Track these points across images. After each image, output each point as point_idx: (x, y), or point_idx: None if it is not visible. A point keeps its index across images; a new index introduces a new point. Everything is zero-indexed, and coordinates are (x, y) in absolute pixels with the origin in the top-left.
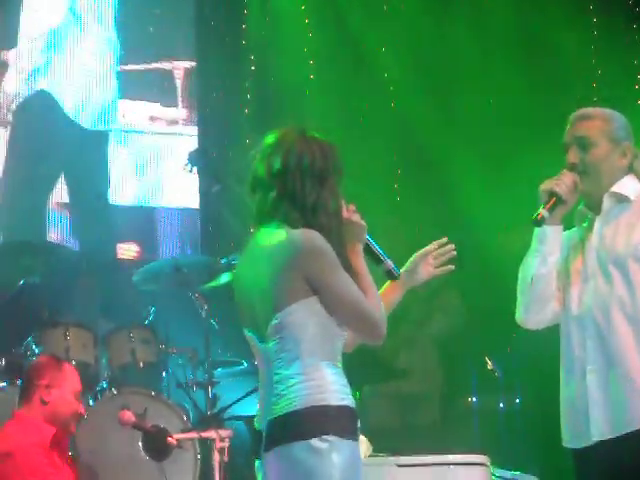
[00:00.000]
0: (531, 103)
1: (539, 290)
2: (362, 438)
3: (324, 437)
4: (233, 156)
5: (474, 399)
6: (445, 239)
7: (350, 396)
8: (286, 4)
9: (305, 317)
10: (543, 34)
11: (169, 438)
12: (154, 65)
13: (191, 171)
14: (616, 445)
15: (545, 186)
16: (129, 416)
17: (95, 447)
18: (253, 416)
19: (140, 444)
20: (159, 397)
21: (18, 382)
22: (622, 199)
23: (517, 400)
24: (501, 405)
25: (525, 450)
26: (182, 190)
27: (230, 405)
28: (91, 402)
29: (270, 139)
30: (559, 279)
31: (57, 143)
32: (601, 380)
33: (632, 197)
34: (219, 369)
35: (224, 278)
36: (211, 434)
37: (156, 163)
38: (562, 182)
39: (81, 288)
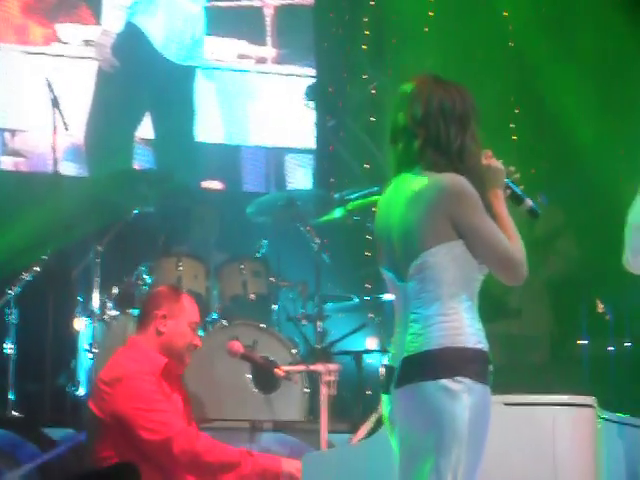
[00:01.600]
0: None
1: None
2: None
3: (457, 378)
4: (350, 92)
5: (584, 341)
6: None
7: (485, 340)
8: None
9: (447, 259)
10: None
11: (277, 370)
12: (244, 2)
13: (308, 105)
14: None
15: None
16: (238, 347)
17: (204, 377)
18: (361, 351)
19: (248, 376)
20: (269, 330)
21: (130, 311)
22: None
23: (627, 344)
24: (611, 348)
25: (634, 394)
26: (270, 129)
27: (339, 339)
28: (201, 333)
29: (407, 88)
30: None
31: (145, 78)
32: None
33: None
34: (329, 303)
35: (337, 213)
36: (319, 368)
37: (244, 102)
38: None
39: (194, 219)
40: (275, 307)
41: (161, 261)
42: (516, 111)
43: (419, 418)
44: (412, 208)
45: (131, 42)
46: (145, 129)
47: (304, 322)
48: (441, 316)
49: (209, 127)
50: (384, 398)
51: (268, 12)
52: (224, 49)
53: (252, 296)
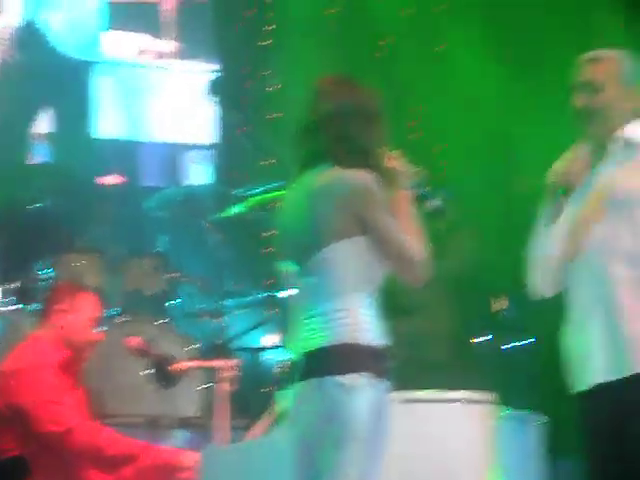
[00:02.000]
0: None
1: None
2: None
3: (356, 374)
4: (253, 87)
5: (485, 338)
6: None
7: (384, 337)
8: None
9: (349, 255)
10: None
11: (176, 365)
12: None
13: (212, 100)
14: (616, 388)
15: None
16: (137, 342)
17: (103, 373)
18: (260, 348)
19: (148, 371)
20: (168, 325)
21: (31, 305)
22: (628, 143)
23: (529, 341)
24: (511, 345)
25: (534, 391)
26: (170, 125)
27: (237, 336)
28: (101, 328)
29: (315, 86)
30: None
31: (43, 72)
32: (602, 323)
33: (638, 141)
34: (228, 300)
35: (237, 209)
36: (218, 363)
37: (144, 97)
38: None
39: (95, 214)
40: (175, 303)
41: (62, 256)
42: (415, 110)
43: (319, 413)
44: (317, 203)
45: (30, 35)
46: (43, 124)
47: (203, 318)
48: (341, 312)
49: (108, 123)
50: (286, 393)
51: (168, 7)
52: (124, 44)
53: (151, 291)
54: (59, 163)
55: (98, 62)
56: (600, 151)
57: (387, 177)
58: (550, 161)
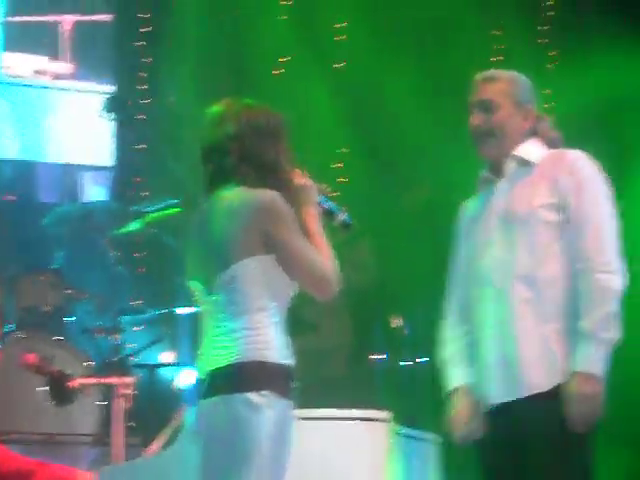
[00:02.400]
0: None
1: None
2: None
3: (261, 392)
4: (149, 104)
5: (380, 356)
6: None
7: (291, 356)
8: None
9: (256, 273)
10: None
11: (71, 382)
12: (40, 18)
13: (107, 118)
14: (513, 408)
15: None
16: (33, 359)
17: None
18: (158, 364)
19: (43, 388)
20: (64, 342)
21: None
22: (525, 162)
23: (423, 359)
24: (407, 363)
25: (427, 409)
26: (66, 145)
27: (133, 353)
28: None
29: (217, 108)
30: (465, 244)
31: None
32: (497, 345)
33: (534, 160)
34: (125, 316)
35: (135, 225)
36: (114, 380)
37: (40, 118)
38: None
39: None
40: (71, 319)
41: None
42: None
43: (223, 430)
44: (224, 222)
45: None
46: None
47: (100, 335)
48: (247, 330)
49: (2, 143)
50: (190, 410)
51: (65, 28)
52: (20, 64)
53: (48, 308)
54: None
55: None
56: (496, 171)
57: (294, 194)
58: (454, 176)
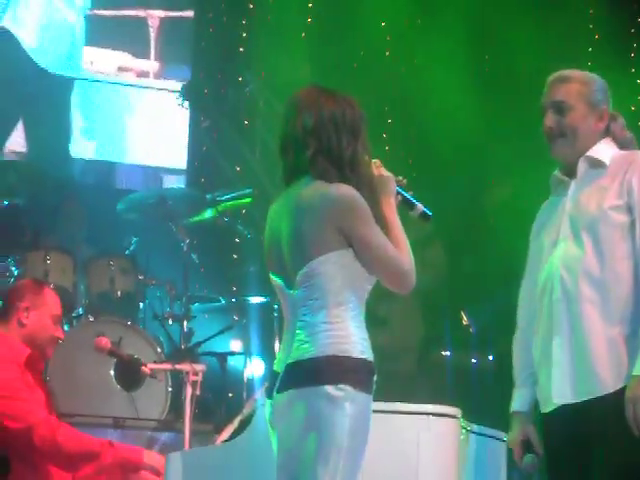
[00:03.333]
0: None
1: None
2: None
3: (340, 386)
4: (225, 94)
5: (448, 353)
6: None
7: (370, 350)
8: None
9: (335, 268)
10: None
11: (143, 367)
12: (127, 11)
13: (182, 105)
14: (579, 410)
15: None
16: (106, 342)
17: (68, 372)
18: (226, 353)
19: (112, 372)
20: (134, 327)
21: None
22: (597, 163)
23: (490, 357)
24: (474, 361)
25: (495, 406)
26: (146, 147)
27: (204, 340)
28: (66, 327)
29: (295, 99)
30: (535, 245)
31: (16, 86)
32: (565, 344)
33: (607, 161)
34: (196, 304)
35: (208, 213)
36: (185, 367)
37: (121, 116)
38: None
39: (65, 213)
40: (142, 305)
41: (29, 254)
42: (389, 121)
43: (300, 424)
44: (302, 217)
45: (1, 47)
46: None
47: (170, 321)
48: (327, 324)
49: (83, 141)
50: (266, 402)
51: (153, 23)
52: (104, 60)
53: (119, 293)
54: (32, 161)
55: (76, 78)
56: (569, 172)
57: (372, 185)
58: (520, 177)
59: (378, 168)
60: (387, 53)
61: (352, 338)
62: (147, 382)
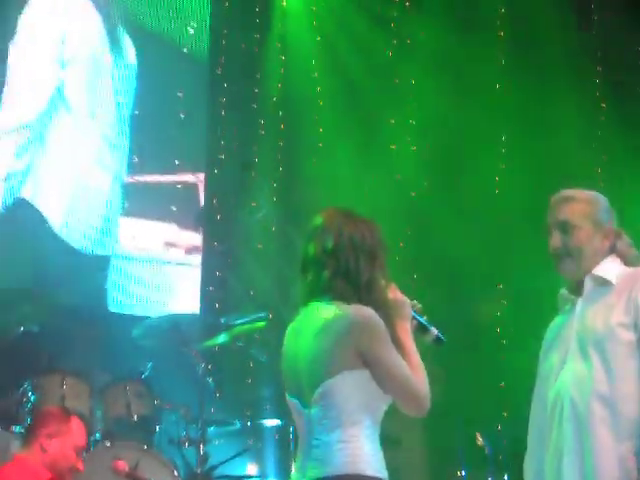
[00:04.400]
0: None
1: None
2: None
3: None
4: (239, 218)
5: (463, 473)
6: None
7: (384, 469)
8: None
9: (351, 387)
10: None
11: None
12: (175, 177)
13: (197, 230)
14: None
15: None
16: (123, 465)
17: None
18: (242, 476)
19: None
20: (151, 451)
21: (13, 428)
22: (603, 281)
23: (505, 477)
24: None
25: None
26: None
27: (220, 464)
28: (84, 453)
29: (318, 220)
30: (543, 363)
31: (43, 267)
32: (575, 462)
33: (613, 280)
34: (211, 428)
35: (222, 338)
36: None
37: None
38: None
39: (80, 338)
40: (158, 429)
41: (45, 379)
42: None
43: None
44: (319, 337)
45: (20, 223)
46: None
47: (186, 445)
48: (343, 443)
49: None
50: None
51: (200, 188)
52: (149, 235)
53: (135, 417)
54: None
55: (112, 255)
56: (576, 290)
57: (389, 309)
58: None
59: (394, 292)
60: (398, 177)
61: (367, 457)
62: None
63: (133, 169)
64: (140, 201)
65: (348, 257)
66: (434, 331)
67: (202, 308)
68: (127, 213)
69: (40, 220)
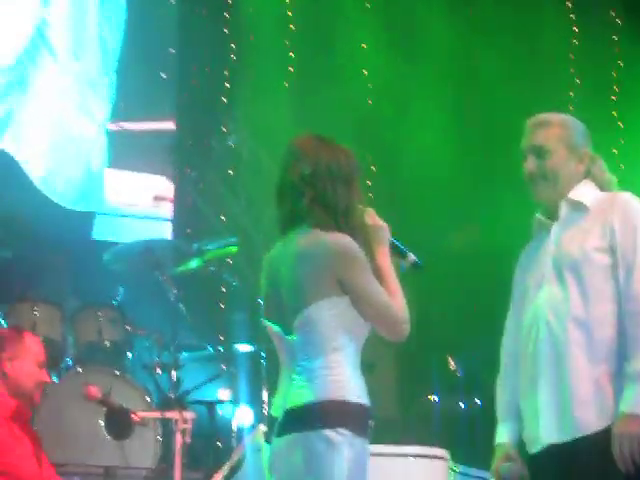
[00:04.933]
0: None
1: None
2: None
3: (339, 430)
4: (210, 144)
5: (435, 397)
6: None
7: (366, 394)
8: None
9: (332, 314)
10: None
11: (133, 415)
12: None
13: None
14: (566, 449)
15: None
16: (96, 391)
17: (57, 423)
18: (214, 401)
19: (102, 422)
20: (123, 377)
21: None
22: (579, 206)
23: (478, 401)
24: (462, 405)
25: (482, 449)
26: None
27: (192, 389)
28: (55, 379)
29: (293, 147)
30: (518, 288)
31: (19, 221)
32: (551, 385)
33: (588, 203)
34: (184, 353)
35: (194, 263)
36: (174, 415)
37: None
38: None
39: (52, 265)
40: (130, 355)
41: (16, 306)
42: (372, 168)
43: (298, 468)
44: (299, 265)
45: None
46: None
47: (158, 371)
48: (325, 369)
49: None
50: (265, 447)
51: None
52: (139, 190)
53: (107, 343)
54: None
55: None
56: (551, 214)
57: (366, 235)
58: (509, 223)
59: (372, 217)
60: (369, 102)
61: (349, 383)
62: (137, 431)
63: (118, 115)
64: (127, 152)
65: (325, 184)
66: (411, 256)
67: (174, 234)
68: (114, 164)
69: (18, 171)
